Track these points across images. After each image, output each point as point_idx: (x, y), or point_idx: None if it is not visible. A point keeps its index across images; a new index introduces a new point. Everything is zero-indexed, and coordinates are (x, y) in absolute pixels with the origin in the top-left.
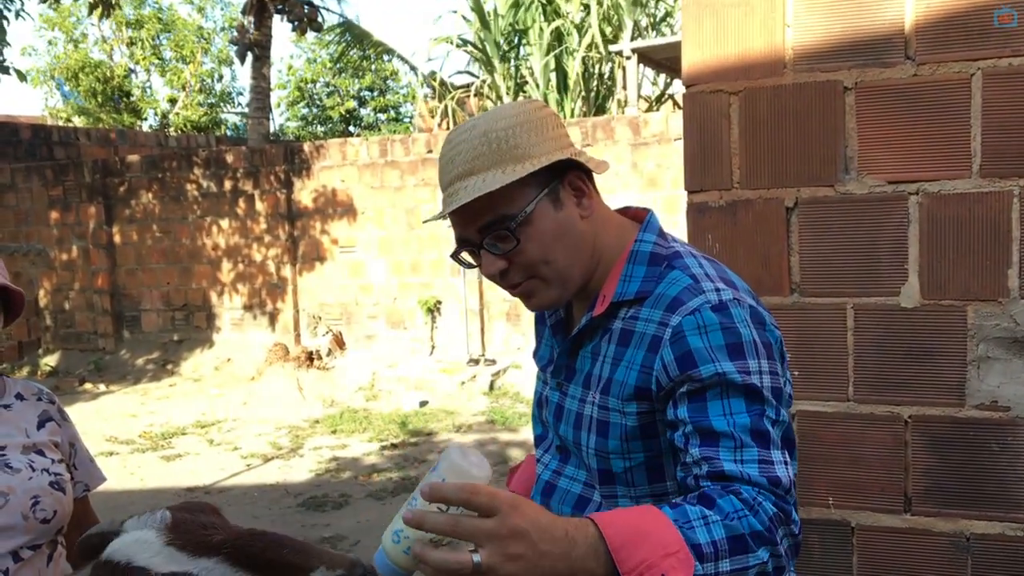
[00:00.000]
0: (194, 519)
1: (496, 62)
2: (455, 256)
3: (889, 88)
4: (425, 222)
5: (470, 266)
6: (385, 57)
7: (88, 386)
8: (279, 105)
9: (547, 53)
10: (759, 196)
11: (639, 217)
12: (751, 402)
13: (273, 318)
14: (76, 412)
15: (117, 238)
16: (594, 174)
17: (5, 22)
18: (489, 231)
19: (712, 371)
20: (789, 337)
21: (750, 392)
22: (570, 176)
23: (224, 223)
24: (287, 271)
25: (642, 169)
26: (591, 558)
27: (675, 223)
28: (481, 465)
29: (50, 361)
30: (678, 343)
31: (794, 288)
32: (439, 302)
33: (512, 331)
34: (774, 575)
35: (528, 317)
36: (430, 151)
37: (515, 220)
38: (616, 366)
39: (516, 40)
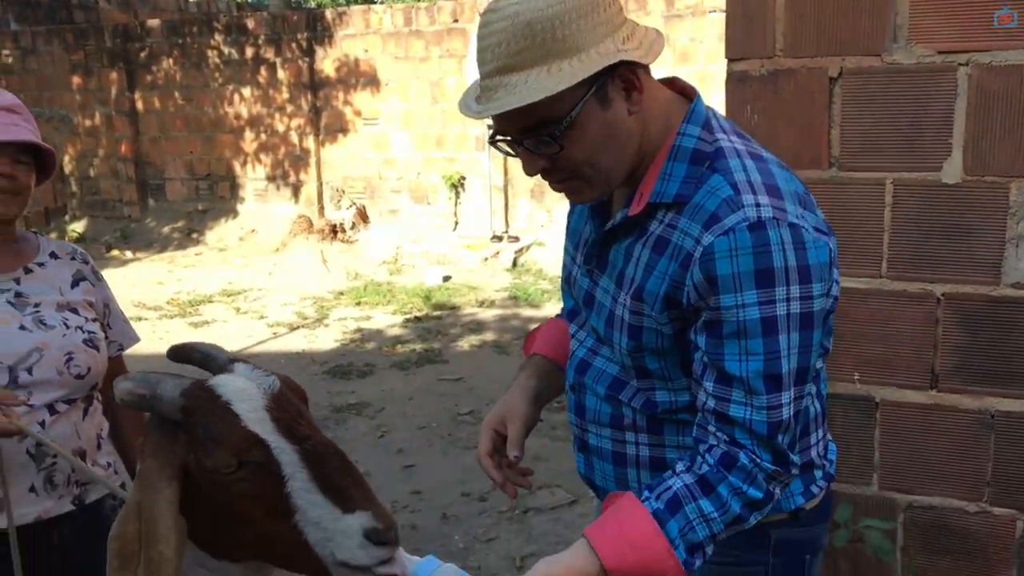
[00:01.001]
0: (292, 402)
1: None
2: (493, 143)
3: None
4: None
5: (509, 154)
6: None
7: (115, 253)
8: None
9: None
10: (802, 65)
11: (687, 93)
12: (768, 339)
13: (296, 190)
14: (105, 278)
15: (139, 105)
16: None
17: None
18: (530, 134)
19: (732, 303)
20: (824, 212)
21: (768, 327)
22: (621, 70)
23: (246, 92)
24: (310, 142)
25: (675, 43)
26: None
27: (707, 101)
28: None
29: (77, 228)
30: (707, 265)
31: (833, 162)
32: (463, 177)
33: (536, 208)
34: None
35: (553, 194)
36: (456, 20)
37: (559, 126)
38: (649, 274)
39: None
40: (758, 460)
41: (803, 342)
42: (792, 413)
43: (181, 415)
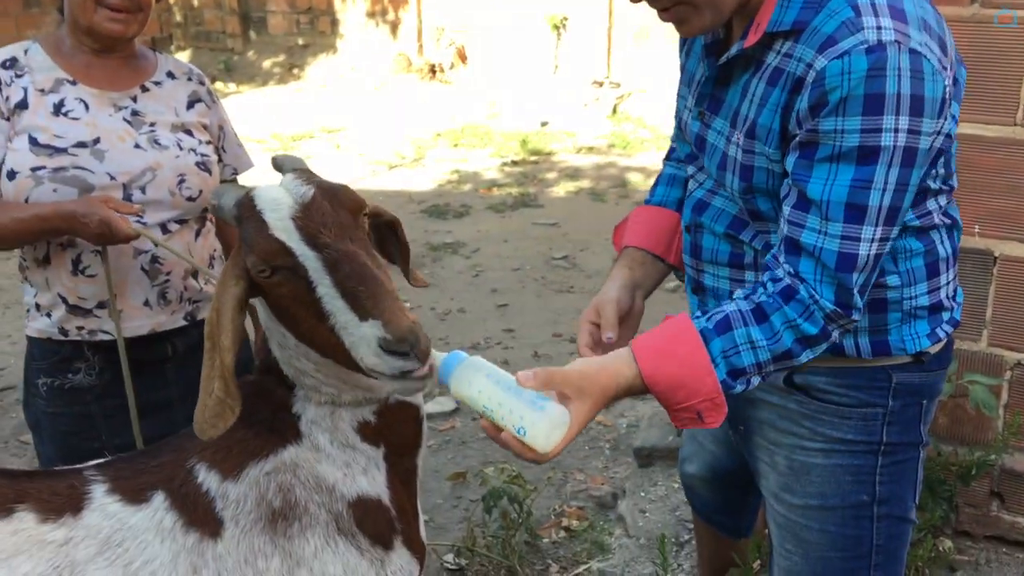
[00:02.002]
0: (323, 211)
1: None
2: None
3: None
4: None
5: None
6: None
7: (219, 85)
8: None
9: None
10: None
11: None
12: (862, 168)
13: (395, 27)
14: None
15: None
16: None
17: None
18: None
19: (832, 127)
20: (960, 54)
21: (865, 156)
22: None
23: None
24: None
25: None
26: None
27: None
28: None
29: (182, 58)
30: (816, 89)
31: None
32: (565, 18)
33: (640, 53)
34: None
35: (658, 39)
36: None
37: None
38: (762, 108)
39: None
40: (817, 297)
41: (900, 179)
42: (871, 253)
43: (236, 223)
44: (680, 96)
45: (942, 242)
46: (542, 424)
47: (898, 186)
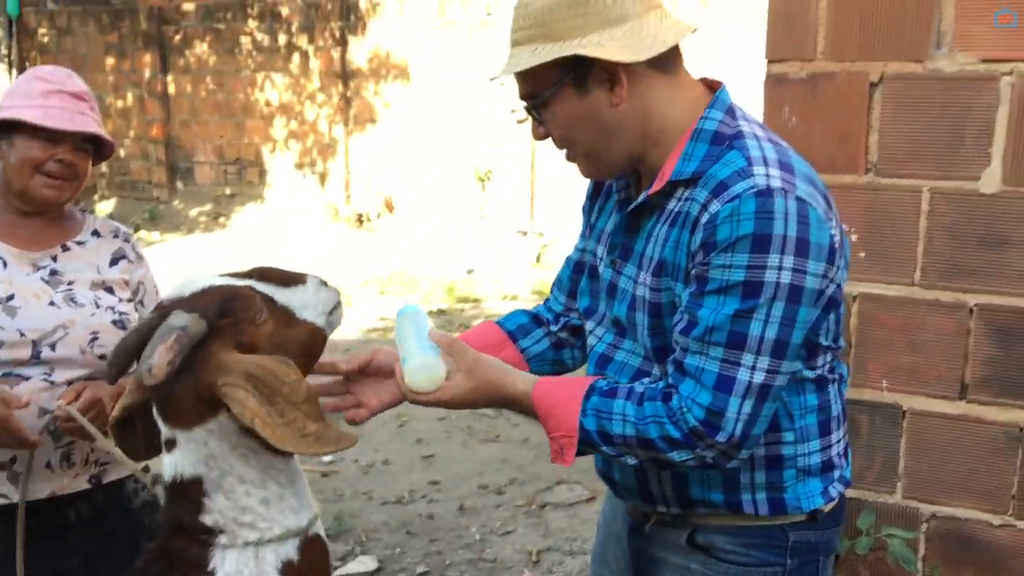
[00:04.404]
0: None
1: None
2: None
3: None
4: (491, 79)
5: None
6: None
7: (143, 234)
8: None
9: None
10: (843, 69)
11: (715, 89)
12: (746, 301)
13: (324, 178)
14: (146, 257)
15: (172, 88)
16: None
17: None
18: (524, 102)
19: (721, 262)
20: (858, 218)
21: (749, 290)
22: (601, 63)
23: (278, 79)
24: (339, 131)
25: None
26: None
27: None
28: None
29: (106, 208)
30: (708, 230)
31: (870, 168)
32: (490, 171)
33: (562, 203)
34: (721, 464)
35: (579, 191)
36: (489, 13)
37: (537, 100)
38: (665, 246)
39: None
40: (684, 410)
41: (787, 314)
42: (753, 381)
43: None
44: (589, 252)
45: (835, 400)
46: (414, 362)
47: (783, 320)
